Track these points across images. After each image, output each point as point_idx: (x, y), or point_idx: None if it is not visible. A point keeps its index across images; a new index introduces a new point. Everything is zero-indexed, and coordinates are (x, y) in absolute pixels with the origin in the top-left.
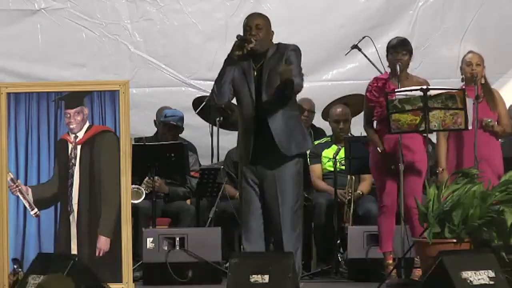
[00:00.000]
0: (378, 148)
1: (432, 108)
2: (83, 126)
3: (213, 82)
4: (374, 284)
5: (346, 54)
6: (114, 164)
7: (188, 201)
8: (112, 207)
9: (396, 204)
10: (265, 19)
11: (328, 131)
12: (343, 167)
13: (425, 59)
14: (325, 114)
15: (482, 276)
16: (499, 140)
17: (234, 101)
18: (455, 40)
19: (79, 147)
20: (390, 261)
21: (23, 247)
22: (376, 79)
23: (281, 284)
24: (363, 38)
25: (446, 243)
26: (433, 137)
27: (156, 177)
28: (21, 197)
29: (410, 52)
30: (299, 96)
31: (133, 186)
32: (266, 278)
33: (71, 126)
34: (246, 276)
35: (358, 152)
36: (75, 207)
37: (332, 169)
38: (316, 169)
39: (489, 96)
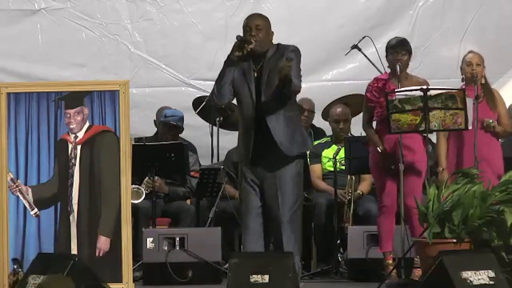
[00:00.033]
0: (378, 148)
1: (432, 108)
2: (83, 126)
3: (213, 82)
4: (374, 284)
5: (346, 54)
6: (114, 164)
7: (188, 201)
8: (112, 207)
9: (396, 204)
10: (265, 19)
11: (328, 131)
12: (343, 167)
13: (425, 59)
14: (325, 114)
15: (482, 276)
16: (499, 140)
17: (234, 101)
18: (455, 40)
19: (79, 147)
20: (390, 261)
21: (23, 247)
22: (376, 79)
23: (281, 284)
24: (363, 38)
25: (446, 243)
26: (433, 137)
27: (156, 177)
28: (21, 197)
29: (409, 52)
30: (299, 96)
31: (133, 186)
32: (266, 278)
33: (71, 126)
34: (246, 276)
35: (358, 152)
36: (75, 207)
37: (332, 169)
38: (316, 169)
39: (489, 96)
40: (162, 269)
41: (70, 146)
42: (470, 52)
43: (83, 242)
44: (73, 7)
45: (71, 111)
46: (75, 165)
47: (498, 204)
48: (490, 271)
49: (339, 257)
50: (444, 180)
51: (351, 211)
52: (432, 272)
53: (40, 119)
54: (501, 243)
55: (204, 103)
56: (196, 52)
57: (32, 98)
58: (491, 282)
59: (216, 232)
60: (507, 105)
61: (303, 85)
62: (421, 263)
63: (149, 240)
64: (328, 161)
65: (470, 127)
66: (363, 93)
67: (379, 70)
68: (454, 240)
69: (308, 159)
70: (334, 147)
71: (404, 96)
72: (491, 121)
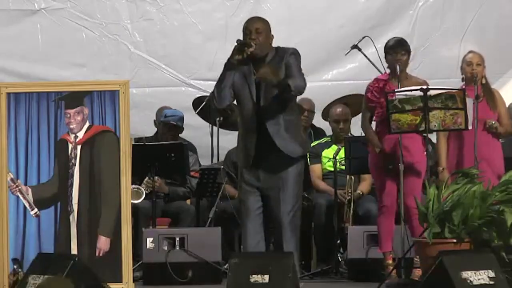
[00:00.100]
0: (376, 149)
1: (432, 108)
2: (83, 126)
3: (213, 82)
4: (374, 284)
5: (346, 54)
6: (114, 164)
7: (188, 201)
8: (112, 207)
9: (396, 204)
10: (265, 23)
11: (328, 131)
12: (343, 167)
13: (425, 59)
14: (325, 114)
15: (482, 276)
16: (500, 140)
17: (234, 101)
18: (455, 40)
19: (79, 147)
20: (390, 261)
21: (23, 247)
22: (376, 79)
23: (281, 284)
24: (363, 38)
25: (446, 243)
26: (433, 137)
27: (156, 177)
28: (21, 197)
29: (408, 51)
30: (299, 96)
31: (133, 186)
32: (266, 278)
33: (71, 126)
34: (246, 276)
35: (358, 152)
36: (75, 207)
37: (332, 169)
38: (316, 169)
39: (489, 96)
40: (162, 269)
41: (70, 146)
42: (470, 52)
43: (83, 242)
44: (73, 7)
45: (71, 111)
46: (75, 165)
47: (498, 204)
48: (490, 271)
49: (339, 257)
50: (445, 180)
51: (351, 211)
52: (432, 272)
53: (40, 119)
54: (501, 243)
55: (204, 103)
56: (196, 52)
57: (32, 98)
58: (491, 282)
59: (216, 232)
60: (507, 105)
61: None
62: (421, 263)
63: (149, 240)
64: (328, 161)
65: (470, 127)
66: (363, 93)
67: (379, 70)
68: (454, 240)
69: (308, 159)
70: (334, 147)
71: (404, 96)
72: (493, 122)
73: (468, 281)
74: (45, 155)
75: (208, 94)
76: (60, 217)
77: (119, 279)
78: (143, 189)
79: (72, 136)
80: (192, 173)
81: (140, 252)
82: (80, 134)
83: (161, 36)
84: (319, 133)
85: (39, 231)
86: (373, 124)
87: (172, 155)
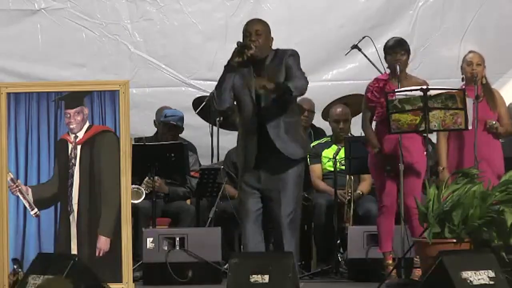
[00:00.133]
0: (374, 149)
1: (432, 108)
2: (83, 126)
3: (213, 82)
4: (374, 284)
5: (346, 54)
6: (114, 164)
7: (188, 201)
8: (112, 207)
9: (395, 204)
10: (265, 25)
11: (328, 131)
12: (343, 167)
13: (425, 59)
14: (325, 114)
15: (482, 276)
16: (500, 140)
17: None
18: (455, 40)
19: (79, 147)
20: (390, 261)
21: (23, 247)
22: (376, 79)
23: (281, 284)
24: (363, 38)
25: (446, 243)
26: (433, 137)
27: (156, 177)
28: (21, 197)
29: (408, 51)
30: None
31: (133, 186)
32: (266, 278)
33: (71, 126)
34: (246, 276)
35: (358, 152)
36: (75, 207)
37: (332, 169)
38: (316, 169)
39: (489, 96)
40: (162, 269)
41: (70, 146)
42: (470, 52)
43: (83, 242)
44: (73, 7)
45: (71, 111)
46: (75, 165)
47: (498, 204)
48: (490, 271)
49: (339, 257)
50: (445, 180)
51: (351, 211)
52: (432, 272)
53: (40, 119)
54: (501, 243)
55: (204, 103)
56: (196, 52)
57: (32, 98)
58: (491, 282)
59: (216, 232)
60: (507, 105)
61: None
62: (421, 263)
63: (149, 240)
64: (328, 161)
65: (470, 127)
66: (363, 93)
67: (379, 70)
68: (454, 240)
69: (308, 159)
70: (334, 147)
71: (404, 96)
72: (494, 122)
73: (468, 281)
74: (45, 155)
75: (208, 94)
76: (60, 217)
77: (119, 279)
78: (143, 189)
79: (72, 136)
80: (192, 173)
81: (140, 252)
82: (80, 134)
83: (161, 36)
84: (319, 133)
85: (39, 231)
86: (373, 124)
87: (172, 155)
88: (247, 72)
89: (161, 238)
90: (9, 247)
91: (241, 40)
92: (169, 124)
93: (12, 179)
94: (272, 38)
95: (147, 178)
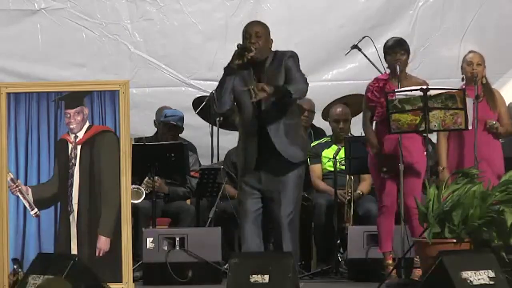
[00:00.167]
0: (372, 149)
1: (432, 108)
2: (83, 126)
3: (213, 82)
4: (374, 284)
5: (346, 54)
6: (114, 164)
7: (188, 201)
8: (112, 207)
9: (395, 204)
10: (264, 27)
11: (328, 131)
12: (343, 167)
13: (425, 59)
14: (325, 114)
15: (482, 276)
16: (500, 140)
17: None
18: (455, 40)
19: (79, 147)
20: (390, 261)
21: (23, 247)
22: (376, 79)
23: (281, 284)
24: (363, 38)
25: (446, 243)
26: (433, 137)
27: (156, 177)
28: (21, 197)
29: (407, 51)
30: None
31: (133, 186)
32: (266, 278)
33: (71, 126)
34: (246, 276)
35: (358, 152)
36: (75, 207)
37: (332, 169)
38: (316, 169)
39: (489, 96)
40: (162, 269)
41: (70, 146)
42: (471, 51)
43: (83, 242)
44: (73, 7)
45: (71, 111)
46: (75, 165)
47: (498, 204)
48: (490, 271)
49: (339, 257)
50: (445, 180)
51: (351, 211)
52: (432, 272)
53: (40, 119)
54: (501, 243)
55: (204, 103)
56: (196, 52)
57: (32, 98)
58: (491, 282)
59: (216, 232)
60: (507, 105)
61: None
62: (421, 263)
63: (149, 240)
64: (328, 161)
65: (470, 127)
66: (363, 93)
67: (379, 70)
68: (454, 240)
69: (308, 159)
70: (334, 147)
71: (404, 96)
72: (494, 122)
73: (468, 281)
74: (45, 155)
75: (208, 94)
76: (60, 217)
77: (119, 279)
78: (143, 189)
79: (72, 136)
80: (192, 173)
81: (140, 252)
82: (80, 134)
83: (161, 36)
84: (319, 133)
85: (39, 231)
86: (374, 124)
87: (172, 155)
88: (247, 75)
89: (161, 238)
90: (9, 247)
91: (241, 42)
92: (169, 124)
93: (12, 179)
94: (272, 40)
95: (147, 178)
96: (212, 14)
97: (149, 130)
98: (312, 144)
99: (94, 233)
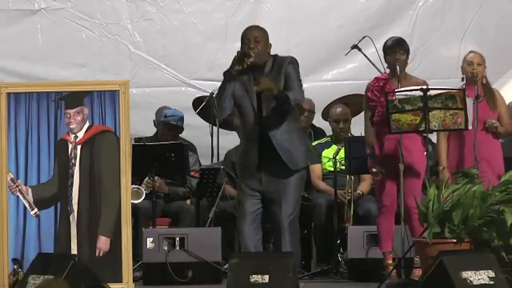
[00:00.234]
0: (367, 149)
1: (432, 108)
2: (83, 126)
3: (213, 82)
4: (374, 284)
5: (346, 54)
6: (114, 164)
7: (188, 201)
8: (112, 207)
9: (395, 204)
10: (263, 31)
11: (328, 131)
12: (343, 167)
13: (425, 59)
14: (325, 114)
15: (482, 276)
16: (500, 140)
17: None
18: (455, 40)
19: (79, 147)
20: (390, 261)
21: (23, 247)
22: (377, 79)
23: (281, 284)
24: (363, 38)
25: (446, 243)
26: (433, 137)
27: (156, 177)
28: (21, 197)
29: (407, 51)
30: None
31: (133, 186)
32: (266, 278)
33: (71, 126)
34: (246, 276)
35: (358, 152)
36: (75, 207)
37: (332, 169)
38: (316, 169)
39: (489, 96)
40: (162, 269)
41: (70, 146)
42: (471, 51)
43: (83, 242)
44: (73, 7)
45: (71, 111)
46: (75, 165)
47: (498, 204)
48: (490, 271)
49: (339, 257)
50: (445, 180)
51: (351, 211)
52: (432, 272)
53: (40, 119)
54: (501, 243)
55: (204, 103)
56: (196, 52)
57: (32, 98)
58: (491, 282)
59: (216, 232)
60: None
61: (303, 85)
62: (421, 263)
63: (149, 240)
64: (328, 161)
65: (470, 127)
66: (363, 93)
67: (379, 70)
68: (454, 240)
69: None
70: (334, 147)
71: (404, 96)
72: (493, 121)
73: (468, 281)
74: (45, 155)
75: (208, 94)
76: (60, 217)
77: (119, 279)
78: (143, 189)
79: (72, 136)
80: (192, 173)
81: (140, 252)
82: (80, 134)
83: (161, 36)
84: (319, 133)
85: (39, 231)
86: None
87: (172, 155)
88: (247, 79)
89: (161, 238)
90: (9, 247)
91: (240, 42)
92: (169, 124)
93: (12, 179)
94: (271, 45)
95: (147, 178)
96: (212, 14)
97: (149, 130)
98: (312, 144)
99: (94, 233)
